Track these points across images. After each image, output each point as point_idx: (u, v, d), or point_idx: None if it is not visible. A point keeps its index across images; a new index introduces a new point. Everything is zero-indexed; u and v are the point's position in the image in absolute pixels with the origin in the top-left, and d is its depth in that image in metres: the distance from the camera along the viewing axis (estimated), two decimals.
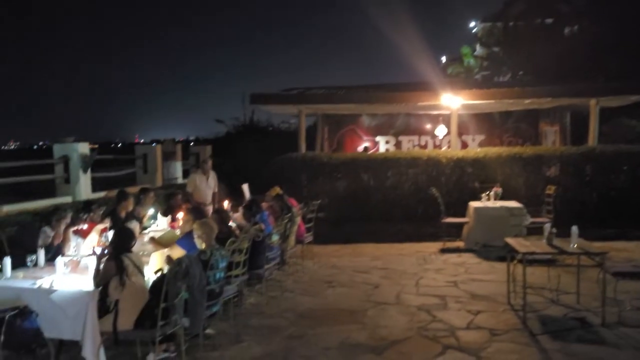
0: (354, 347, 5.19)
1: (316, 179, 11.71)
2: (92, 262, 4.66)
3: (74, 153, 9.63)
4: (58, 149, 9.70)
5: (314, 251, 8.57)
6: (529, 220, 8.92)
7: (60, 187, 9.71)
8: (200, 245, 5.03)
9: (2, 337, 3.81)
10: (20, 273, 4.76)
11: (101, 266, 4.42)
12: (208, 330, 5.38)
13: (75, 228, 5.66)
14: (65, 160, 9.61)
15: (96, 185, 10.20)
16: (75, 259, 5.20)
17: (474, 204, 9.41)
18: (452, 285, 7.13)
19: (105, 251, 4.50)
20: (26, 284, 4.51)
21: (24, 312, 4.05)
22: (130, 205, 7.28)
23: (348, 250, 9.55)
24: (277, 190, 8.23)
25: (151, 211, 7.72)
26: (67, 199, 9.18)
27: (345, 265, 8.41)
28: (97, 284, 4.39)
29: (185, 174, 14.67)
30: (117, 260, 4.35)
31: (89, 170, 9.86)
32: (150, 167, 12.78)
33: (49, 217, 5.76)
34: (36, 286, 4.44)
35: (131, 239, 4.66)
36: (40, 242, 5.41)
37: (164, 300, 4.18)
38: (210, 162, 9.62)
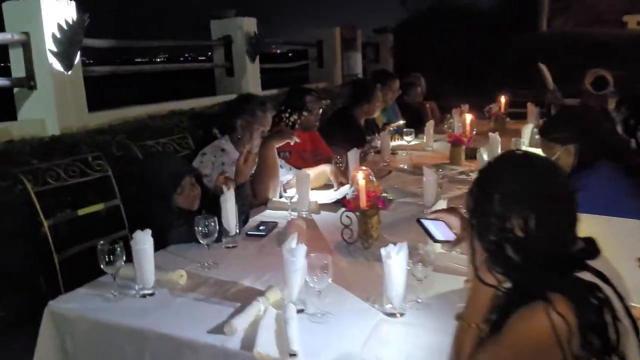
0: None
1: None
2: None
3: (237, 32, 6.65)
4: (216, 27, 6.76)
5: None
6: None
7: (221, 82, 6.87)
8: None
9: None
10: (181, 272, 1.68)
11: None
12: None
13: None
14: (227, 42, 6.67)
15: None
16: (294, 215, 2.12)
17: None
18: None
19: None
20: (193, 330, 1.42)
21: None
22: (375, 107, 4.03)
23: None
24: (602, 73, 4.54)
25: (400, 122, 4.37)
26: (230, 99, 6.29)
27: None
28: None
29: (364, 71, 11.57)
30: None
31: (257, 59, 6.87)
32: (328, 59, 9.69)
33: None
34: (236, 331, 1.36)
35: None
36: (207, 170, 2.39)
37: None
38: None
